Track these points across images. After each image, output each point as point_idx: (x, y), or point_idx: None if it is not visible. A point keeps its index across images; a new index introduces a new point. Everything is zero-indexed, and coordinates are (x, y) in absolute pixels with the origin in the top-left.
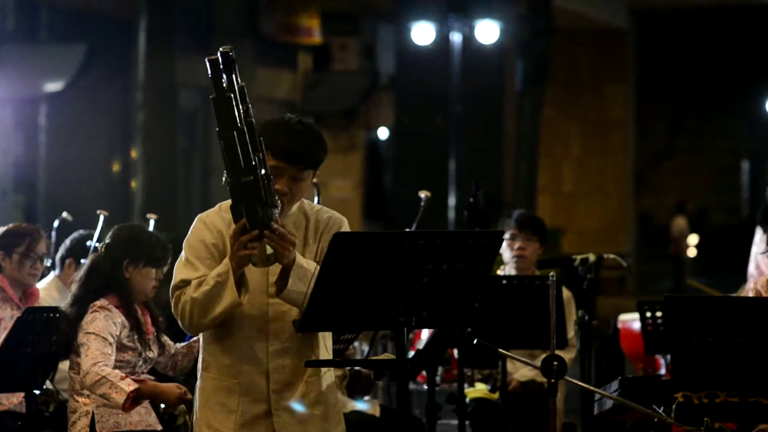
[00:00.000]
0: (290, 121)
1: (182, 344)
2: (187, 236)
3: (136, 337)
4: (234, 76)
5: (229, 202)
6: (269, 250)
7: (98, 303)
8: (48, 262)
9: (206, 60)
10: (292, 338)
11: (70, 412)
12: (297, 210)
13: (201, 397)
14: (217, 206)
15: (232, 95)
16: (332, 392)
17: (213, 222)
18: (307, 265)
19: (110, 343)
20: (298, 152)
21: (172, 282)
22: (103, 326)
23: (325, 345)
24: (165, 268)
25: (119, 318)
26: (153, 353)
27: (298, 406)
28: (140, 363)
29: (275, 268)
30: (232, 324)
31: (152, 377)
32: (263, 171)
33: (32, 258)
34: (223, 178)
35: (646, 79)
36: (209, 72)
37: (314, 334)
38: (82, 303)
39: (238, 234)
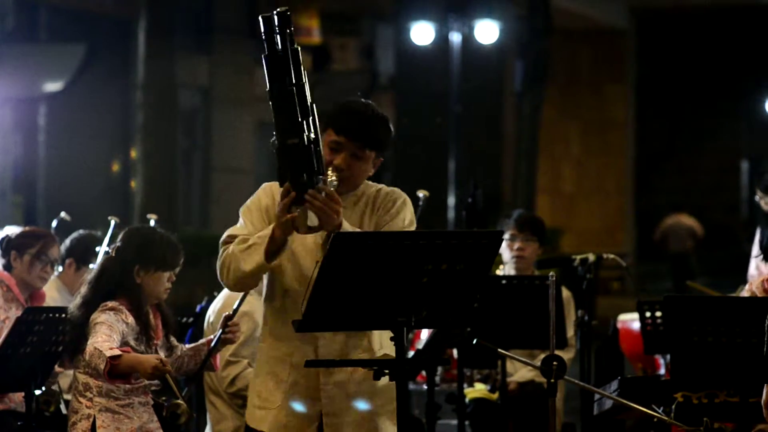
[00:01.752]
0: (354, 101)
1: (189, 346)
2: (247, 201)
3: (144, 340)
4: (288, 37)
5: None
6: (314, 219)
7: (110, 303)
8: (60, 269)
9: (260, 17)
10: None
11: (71, 411)
12: (359, 192)
13: (256, 367)
14: None
15: (283, 55)
16: (389, 386)
17: (273, 189)
18: (353, 231)
19: (114, 330)
20: (358, 128)
21: (222, 237)
22: (113, 319)
23: (381, 339)
24: (178, 269)
25: (129, 319)
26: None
27: (362, 405)
28: None
29: None
30: (286, 296)
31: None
32: (312, 136)
33: (43, 261)
34: (271, 140)
35: (646, 79)
36: (262, 29)
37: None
38: (90, 306)
39: (282, 197)
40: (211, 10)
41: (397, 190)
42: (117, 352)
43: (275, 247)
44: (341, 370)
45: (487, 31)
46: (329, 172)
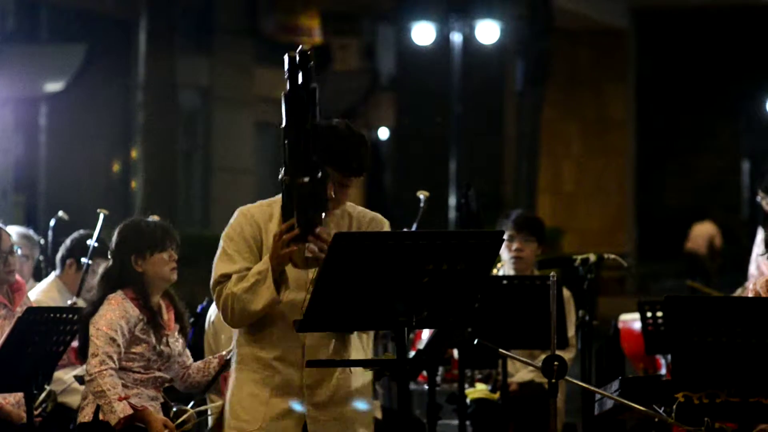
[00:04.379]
0: (339, 127)
1: (202, 360)
2: (226, 229)
3: (151, 330)
4: (309, 76)
5: (273, 198)
6: (309, 253)
7: (112, 295)
8: (19, 251)
9: (285, 56)
10: (328, 334)
11: (82, 398)
12: (340, 211)
13: (233, 389)
14: (258, 202)
15: (303, 95)
16: (366, 391)
17: (253, 215)
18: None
19: (116, 341)
20: (347, 160)
21: (212, 277)
22: (113, 321)
23: (362, 343)
24: (175, 247)
25: (134, 311)
26: (170, 349)
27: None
28: (154, 357)
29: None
30: (268, 318)
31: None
32: (319, 174)
33: (1, 257)
34: (280, 175)
35: (646, 79)
36: (286, 68)
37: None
38: (98, 305)
39: (283, 232)
40: (211, 10)
41: (379, 215)
42: (128, 412)
43: (279, 279)
44: (322, 392)
45: (487, 31)
46: None
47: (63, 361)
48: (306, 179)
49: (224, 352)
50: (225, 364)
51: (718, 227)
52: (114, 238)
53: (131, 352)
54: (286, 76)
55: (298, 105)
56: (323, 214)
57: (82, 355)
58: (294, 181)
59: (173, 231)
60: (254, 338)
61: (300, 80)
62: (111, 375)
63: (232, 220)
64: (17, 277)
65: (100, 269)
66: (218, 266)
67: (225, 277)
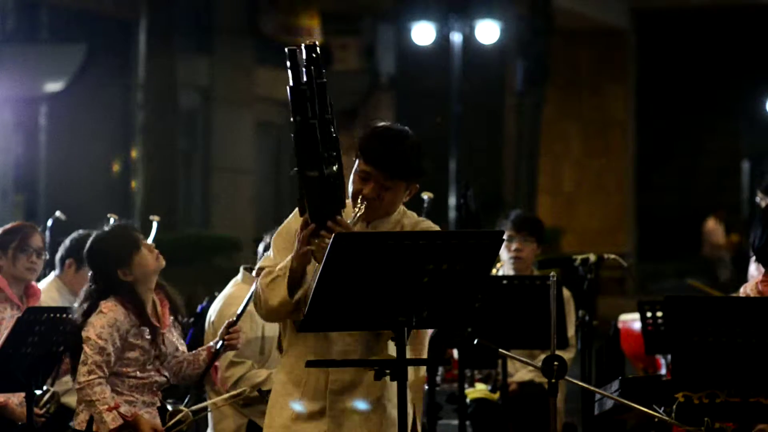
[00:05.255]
0: (385, 128)
1: (191, 353)
2: (280, 227)
3: (146, 334)
4: (313, 70)
5: None
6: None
7: (104, 302)
8: (46, 256)
9: (286, 49)
10: (358, 341)
11: (77, 403)
12: (393, 220)
13: (274, 384)
14: None
15: (306, 88)
16: (392, 401)
17: (290, 228)
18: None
19: (105, 350)
20: (386, 158)
21: (257, 265)
22: (103, 330)
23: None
24: (142, 237)
25: (126, 317)
26: (166, 348)
27: (361, 405)
28: (150, 360)
29: None
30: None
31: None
32: (334, 168)
33: (27, 251)
34: (292, 170)
35: (646, 79)
36: (288, 61)
37: (384, 340)
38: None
39: (301, 229)
40: (211, 10)
41: (430, 222)
42: (118, 422)
43: (295, 280)
44: (350, 397)
45: (487, 31)
46: (358, 203)
47: (65, 365)
48: (315, 173)
49: (212, 343)
50: (214, 356)
51: (720, 222)
52: (87, 259)
53: (125, 357)
54: (288, 70)
55: (301, 98)
56: (343, 210)
57: (74, 370)
58: (303, 175)
59: (131, 225)
60: (292, 340)
61: (307, 74)
62: (100, 384)
63: (286, 220)
64: (35, 285)
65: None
66: (262, 260)
67: (260, 270)
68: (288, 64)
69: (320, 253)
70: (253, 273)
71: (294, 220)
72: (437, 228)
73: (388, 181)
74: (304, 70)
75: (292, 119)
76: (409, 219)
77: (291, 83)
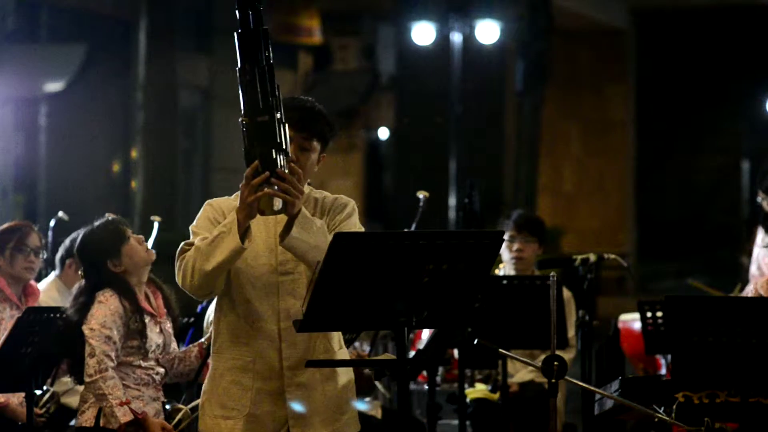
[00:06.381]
0: (297, 98)
1: (181, 350)
2: (194, 221)
3: (146, 320)
4: (258, 16)
5: (238, 192)
6: (277, 202)
7: (101, 293)
8: (44, 255)
9: None
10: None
11: (81, 401)
12: (305, 196)
13: (212, 380)
14: (224, 197)
15: (256, 34)
16: (345, 371)
17: (219, 204)
18: (312, 217)
19: (111, 338)
20: (303, 120)
21: (178, 249)
22: (106, 318)
23: None
24: (130, 229)
25: (122, 307)
26: (165, 336)
27: (297, 407)
28: (152, 348)
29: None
30: (243, 304)
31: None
32: (278, 115)
33: (24, 251)
34: (239, 119)
35: (646, 79)
36: (236, 6)
37: None
38: (84, 311)
39: (249, 177)
40: (211, 10)
41: (343, 196)
42: (128, 417)
43: (241, 233)
44: (303, 372)
45: (487, 31)
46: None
47: (65, 365)
48: (266, 117)
49: (203, 340)
50: (206, 353)
51: None
52: (78, 254)
53: (128, 347)
54: (237, 16)
55: (252, 43)
56: (288, 154)
57: (74, 370)
58: (254, 121)
59: (119, 218)
60: (231, 326)
61: (254, 20)
62: (112, 377)
63: (200, 212)
64: (33, 284)
65: (75, 287)
66: (184, 242)
67: (189, 245)
68: (237, 9)
69: (267, 203)
70: (178, 251)
71: (210, 209)
72: (350, 200)
73: (306, 142)
74: (252, 16)
75: (239, 66)
76: (319, 193)
77: (240, 29)
